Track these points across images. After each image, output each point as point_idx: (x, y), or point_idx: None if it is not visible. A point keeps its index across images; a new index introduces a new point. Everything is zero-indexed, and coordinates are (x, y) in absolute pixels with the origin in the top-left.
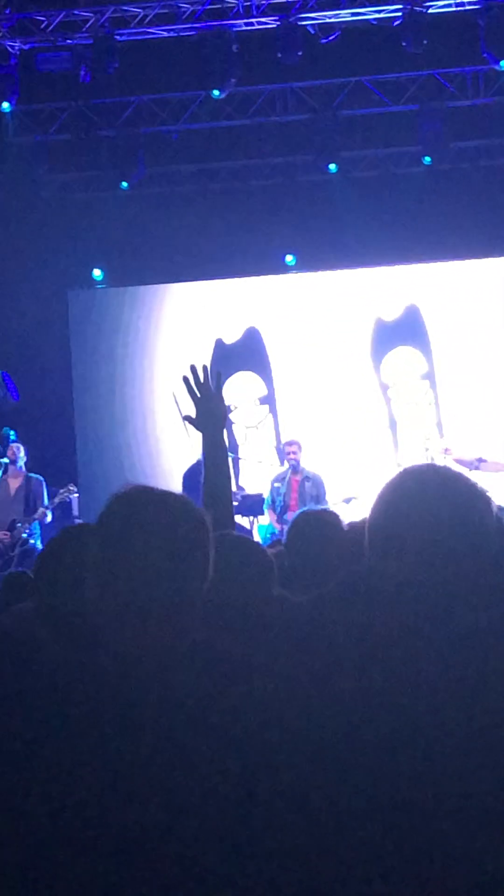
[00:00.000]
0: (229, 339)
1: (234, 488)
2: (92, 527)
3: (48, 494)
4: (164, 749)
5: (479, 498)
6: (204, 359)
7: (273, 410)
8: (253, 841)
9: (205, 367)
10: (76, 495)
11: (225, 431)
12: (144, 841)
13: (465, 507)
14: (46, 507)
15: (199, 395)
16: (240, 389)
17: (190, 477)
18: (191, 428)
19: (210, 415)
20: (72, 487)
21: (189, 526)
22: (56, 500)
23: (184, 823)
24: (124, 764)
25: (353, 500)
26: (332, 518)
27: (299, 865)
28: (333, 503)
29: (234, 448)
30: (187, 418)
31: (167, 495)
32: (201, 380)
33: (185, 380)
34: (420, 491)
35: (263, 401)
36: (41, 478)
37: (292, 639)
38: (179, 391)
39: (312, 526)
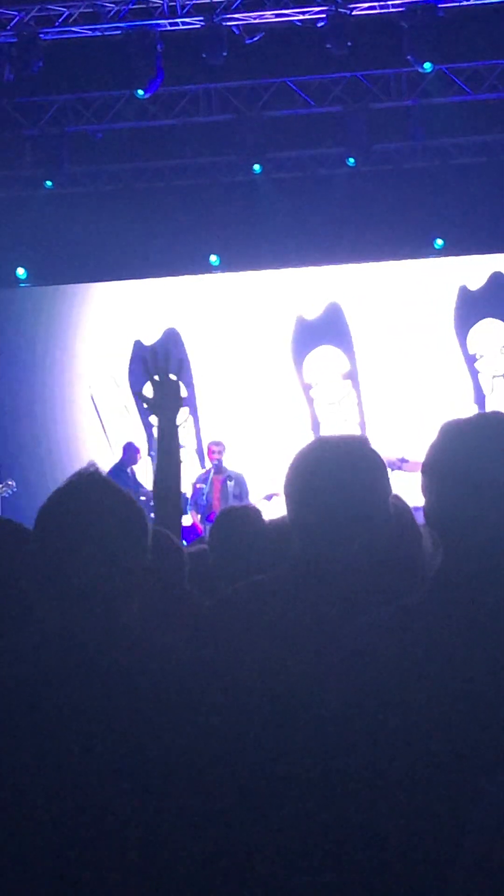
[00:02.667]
0: (149, 341)
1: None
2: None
3: None
4: (96, 729)
5: (369, 467)
6: (123, 359)
7: (193, 412)
8: (170, 828)
9: (167, 352)
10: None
11: (143, 432)
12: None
13: (359, 478)
14: None
15: (157, 378)
16: None
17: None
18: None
19: (167, 398)
20: (10, 483)
21: (129, 520)
22: None
23: (117, 803)
24: (55, 740)
25: (274, 496)
26: (253, 514)
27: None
28: (254, 500)
29: (155, 449)
30: (141, 397)
31: (109, 488)
32: (161, 364)
33: (144, 360)
34: (316, 470)
35: (183, 402)
36: None
37: (200, 638)
38: (121, 378)
39: (235, 523)
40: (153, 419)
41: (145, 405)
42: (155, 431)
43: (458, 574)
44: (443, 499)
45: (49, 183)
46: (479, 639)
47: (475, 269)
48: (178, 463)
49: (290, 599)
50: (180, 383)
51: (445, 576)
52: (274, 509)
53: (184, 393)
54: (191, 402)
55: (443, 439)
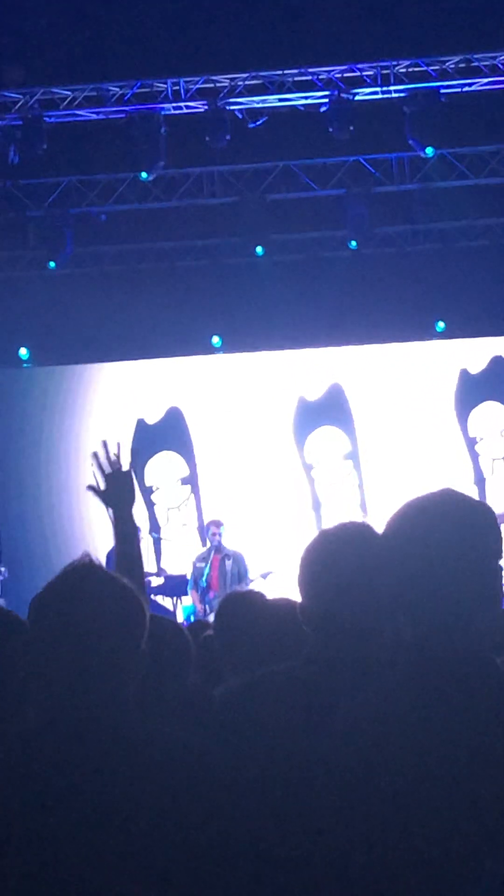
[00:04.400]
0: (152, 420)
1: (155, 569)
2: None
3: None
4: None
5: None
6: (126, 439)
7: (195, 491)
8: None
9: (118, 444)
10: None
11: (146, 511)
12: None
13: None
14: None
15: (107, 470)
16: (161, 470)
17: (112, 558)
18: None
19: (119, 491)
20: (1, 569)
21: (123, 608)
22: None
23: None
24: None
25: (269, 574)
26: (257, 598)
27: None
28: (252, 579)
29: (157, 529)
30: (92, 489)
31: (103, 578)
32: (112, 456)
33: (95, 455)
34: (339, 561)
35: (185, 481)
36: None
37: (209, 728)
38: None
39: (239, 608)
40: (109, 511)
41: (99, 498)
42: (111, 520)
43: (428, 648)
44: (402, 578)
45: (52, 264)
46: (454, 711)
47: (476, 353)
48: (138, 554)
49: (304, 694)
50: (133, 473)
51: (417, 651)
52: (271, 587)
53: (177, 479)
54: (193, 481)
55: (401, 521)
